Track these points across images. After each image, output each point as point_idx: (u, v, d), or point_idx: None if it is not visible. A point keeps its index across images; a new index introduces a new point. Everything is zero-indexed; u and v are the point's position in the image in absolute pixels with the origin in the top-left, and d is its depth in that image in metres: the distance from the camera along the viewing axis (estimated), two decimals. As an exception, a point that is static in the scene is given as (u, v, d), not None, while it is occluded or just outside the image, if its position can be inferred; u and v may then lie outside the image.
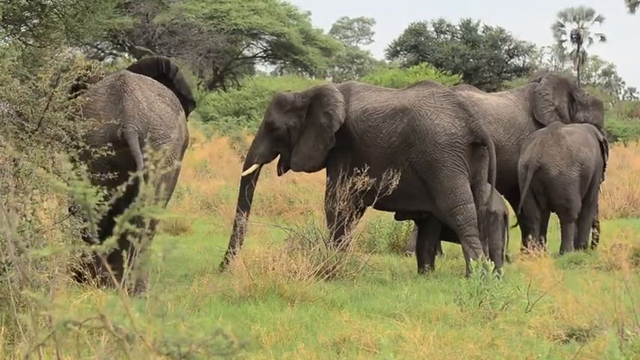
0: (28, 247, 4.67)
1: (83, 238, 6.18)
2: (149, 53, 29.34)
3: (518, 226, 11.07)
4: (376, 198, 8.91)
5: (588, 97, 11.96)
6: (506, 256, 9.81)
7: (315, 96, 9.59)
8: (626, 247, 8.30)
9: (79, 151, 6.70)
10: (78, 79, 7.19)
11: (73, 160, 6.40)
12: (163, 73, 8.82)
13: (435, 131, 8.93)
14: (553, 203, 10.59)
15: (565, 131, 10.79)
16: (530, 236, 10.05)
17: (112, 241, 2.25)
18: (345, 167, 9.18)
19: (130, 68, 8.84)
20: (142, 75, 8.27)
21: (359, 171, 8.98)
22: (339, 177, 9.15)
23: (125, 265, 2.35)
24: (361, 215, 9.43)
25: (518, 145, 10.93)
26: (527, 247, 8.61)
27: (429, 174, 8.93)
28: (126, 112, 7.72)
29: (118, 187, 2.37)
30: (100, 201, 2.32)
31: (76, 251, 5.49)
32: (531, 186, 10.47)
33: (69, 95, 7.03)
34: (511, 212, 10.66)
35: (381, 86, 12.54)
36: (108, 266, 2.32)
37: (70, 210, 6.58)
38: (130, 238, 2.31)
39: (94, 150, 6.79)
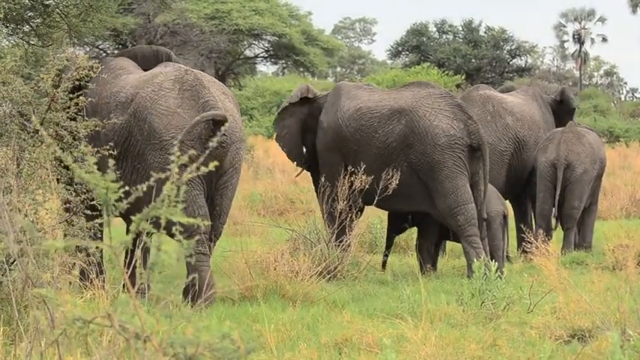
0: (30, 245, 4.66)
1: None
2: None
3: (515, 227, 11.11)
4: (376, 198, 8.93)
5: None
6: (507, 256, 9.81)
7: None
8: (632, 247, 8.31)
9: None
10: (80, 80, 7.16)
11: (75, 161, 6.39)
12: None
13: (434, 133, 8.94)
14: (567, 205, 10.57)
15: (583, 130, 10.95)
16: (540, 231, 10.14)
17: (127, 239, 2.25)
18: (338, 167, 9.22)
19: (121, 54, 8.43)
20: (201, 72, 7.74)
21: (354, 170, 9.01)
22: (335, 177, 9.18)
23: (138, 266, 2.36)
24: (360, 215, 9.45)
25: (536, 142, 11.03)
26: (535, 242, 8.59)
27: (429, 175, 8.93)
28: (212, 107, 7.13)
29: (139, 187, 2.36)
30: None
31: (88, 247, 5.49)
32: (554, 184, 10.52)
33: (70, 96, 7.01)
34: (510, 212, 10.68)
35: (381, 87, 12.59)
36: (122, 265, 2.32)
37: (67, 210, 6.48)
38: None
39: (96, 150, 6.76)
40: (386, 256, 9.51)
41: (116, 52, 37.03)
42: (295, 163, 10.32)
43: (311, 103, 10.06)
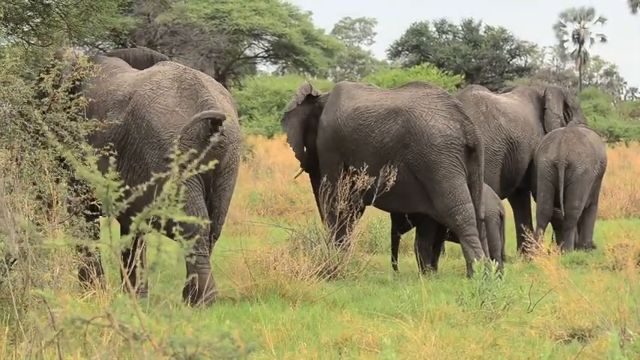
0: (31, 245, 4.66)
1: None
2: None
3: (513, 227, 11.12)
4: (374, 197, 8.94)
5: (576, 101, 12.29)
6: (502, 254, 9.81)
7: None
8: (632, 247, 8.31)
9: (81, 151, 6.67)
10: (80, 80, 7.15)
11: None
12: None
13: (430, 133, 8.94)
14: (567, 204, 10.57)
15: (584, 130, 10.96)
16: (541, 230, 10.19)
17: (127, 239, 2.25)
18: (338, 167, 9.23)
19: (114, 55, 8.34)
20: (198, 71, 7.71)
21: (355, 170, 9.01)
22: (334, 177, 9.18)
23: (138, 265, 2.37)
24: (361, 215, 9.46)
25: (530, 144, 11.03)
26: (537, 241, 8.60)
27: (427, 175, 8.93)
28: (211, 106, 7.12)
29: (138, 187, 2.36)
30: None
31: (88, 246, 5.49)
32: (555, 184, 10.52)
33: (71, 96, 7.00)
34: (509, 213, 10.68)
35: (381, 87, 12.60)
36: (122, 264, 2.32)
37: (69, 210, 6.50)
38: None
39: (96, 150, 6.75)
40: (393, 254, 9.53)
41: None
42: (300, 164, 10.31)
43: (313, 103, 10.09)
